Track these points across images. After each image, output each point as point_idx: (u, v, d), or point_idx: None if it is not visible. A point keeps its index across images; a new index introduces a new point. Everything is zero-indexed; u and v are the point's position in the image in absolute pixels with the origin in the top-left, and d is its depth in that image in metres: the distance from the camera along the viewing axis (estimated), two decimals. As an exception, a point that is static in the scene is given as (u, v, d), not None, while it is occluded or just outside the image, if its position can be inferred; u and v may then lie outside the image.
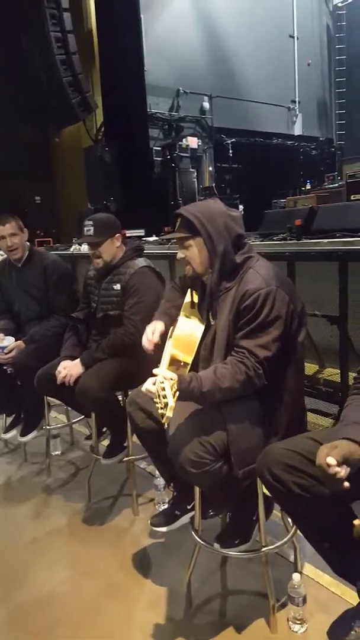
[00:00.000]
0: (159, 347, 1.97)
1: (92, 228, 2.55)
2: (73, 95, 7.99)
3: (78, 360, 2.55)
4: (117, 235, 2.62)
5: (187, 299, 2.05)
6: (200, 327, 1.90)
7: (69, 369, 2.53)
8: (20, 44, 8.01)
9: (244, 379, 1.66)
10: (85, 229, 2.57)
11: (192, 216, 1.80)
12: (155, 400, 1.51)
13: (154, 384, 1.54)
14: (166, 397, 1.47)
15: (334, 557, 1.58)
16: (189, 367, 1.81)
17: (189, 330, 1.91)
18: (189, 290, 2.05)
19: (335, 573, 1.66)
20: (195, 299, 2.01)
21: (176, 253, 1.92)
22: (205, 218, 1.79)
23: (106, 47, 8.16)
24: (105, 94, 8.37)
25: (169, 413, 1.46)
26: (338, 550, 1.55)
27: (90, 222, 2.56)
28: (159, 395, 1.49)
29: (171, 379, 1.54)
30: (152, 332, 2.01)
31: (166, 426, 1.65)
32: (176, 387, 1.54)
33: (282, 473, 1.46)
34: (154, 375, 1.58)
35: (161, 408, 1.47)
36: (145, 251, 2.80)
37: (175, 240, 1.93)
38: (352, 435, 1.33)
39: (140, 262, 2.65)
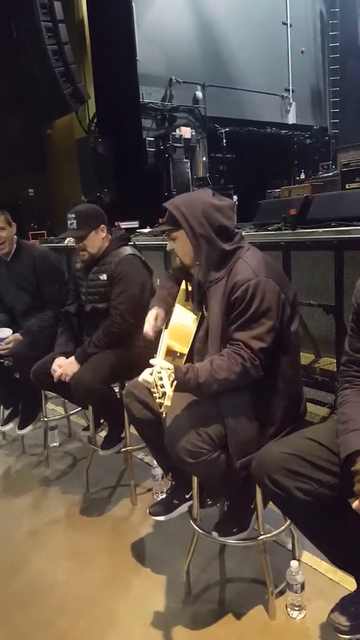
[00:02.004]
0: (157, 336, 1.97)
1: (74, 221, 2.53)
2: (65, 85, 7.90)
3: (72, 358, 2.54)
4: (102, 226, 2.59)
5: (182, 287, 2.05)
6: (195, 319, 1.90)
7: (64, 367, 2.52)
8: (10, 34, 7.91)
9: (240, 370, 1.66)
10: (69, 222, 2.55)
11: (174, 208, 1.80)
12: (152, 390, 1.51)
13: (151, 374, 1.54)
14: (164, 386, 1.47)
15: (333, 552, 1.59)
16: (184, 357, 1.82)
17: (184, 321, 1.91)
18: (184, 280, 2.05)
19: (336, 567, 1.67)
20: (190, 288, 2.01)
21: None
22: (187, 209, 1.79)
23: (98, 37, 8.08)
24: (97, 84, 8.29)
25: (167, 402, 1.46)
26: (337, 546, 1.55)
27: (73, 215, 2.53)
28: (156, 385, 1.49)
29: (168, 369, 1.54)
30: (154, 318, 2.00)
31: (164, 415, 1.65)
32: (173, 377, 1.55)
33: (283, 479, 1.42)
34: (151, 366, 1.59)
35: (159, 397, 1.47)
36: (139, 243, 2.79)
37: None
38: None
39: (127, 250, 2.63)
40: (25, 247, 3.21)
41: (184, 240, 1.82)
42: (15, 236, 3.18)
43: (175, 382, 1.54)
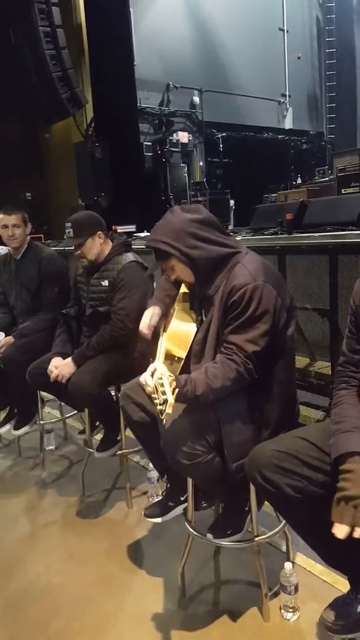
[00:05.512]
0: (154, 337, 1.98)
1: (71, 230, 2.55)
2: (63, 90, 7.95)
3: (69, 359, 2.55)
4: (99, 232, 2.60)
5: (182, 289, 2.06)
6: (194, 323, 1.91)
7: (60, 368, 2.53)
8: (9, 39, 7.95)
9: (234, 376, 1.67)
10: (66, 230, 2.58)
11: (158, 244, 1.77)
12: (153, 395, 1.50)
13: (152, 376, 1.55)
14: (165, 393, 1.46)
15: (326, 550, 1.60)
16: (182, 362, 1.82)
17: (182, 325, 1.91)
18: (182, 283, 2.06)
19: (327, 564, 1.68)
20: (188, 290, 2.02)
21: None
22: (171, 238, 1.75)
23: (95, 42, 8.14)
24: (95, 89, 8.34)
25: (168, 410, 1.44)
26: (329, 544, 1.56)
27: (69, 224, 2.56)
28: (157, 391, 1.49)
29: (170, 376, 1.54)
30: (149, 318, 2.00)
31: (164, 422, 1.65)
32: (175, 384, 1.54)
33: (274, 475, 1.44)
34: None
35: (160, 404, 1.46)
36: (135, 247, 2.80)
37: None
38: (356, 448, 1.33)
39: (129, 256, 2.64)
40: (35, 247, 3.24)
41: (181, 265, 1.80)
42: (29, 237, 3.21)
43: (177, 390, 1.54)
